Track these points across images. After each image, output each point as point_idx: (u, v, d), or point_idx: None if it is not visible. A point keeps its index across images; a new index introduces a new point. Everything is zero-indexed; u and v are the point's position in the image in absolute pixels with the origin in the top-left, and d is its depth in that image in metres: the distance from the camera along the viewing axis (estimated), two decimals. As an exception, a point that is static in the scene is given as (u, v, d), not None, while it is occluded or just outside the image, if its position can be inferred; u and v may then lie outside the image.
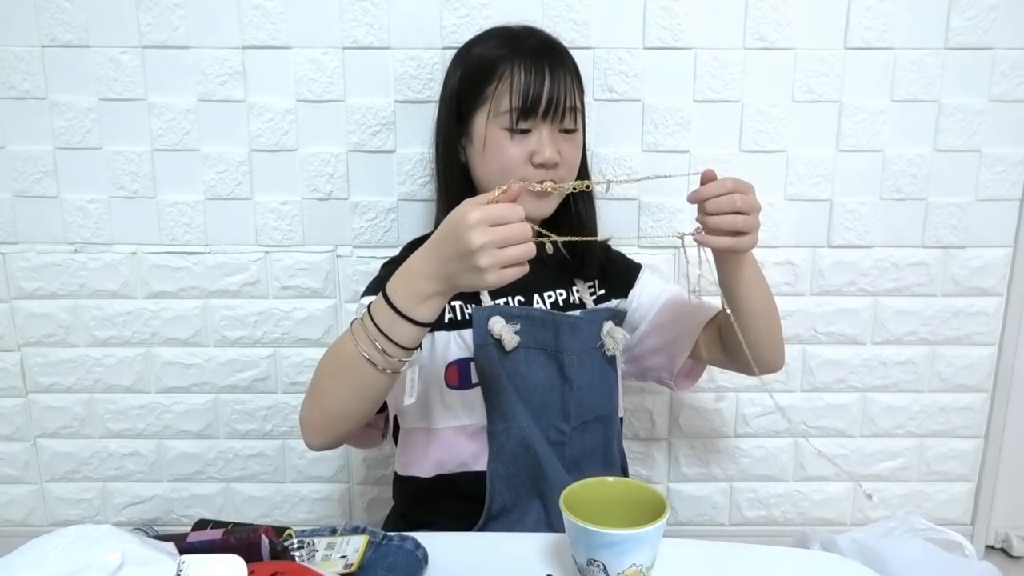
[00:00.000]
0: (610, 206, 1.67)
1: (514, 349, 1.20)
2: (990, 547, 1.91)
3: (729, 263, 1.11)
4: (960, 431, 1.83)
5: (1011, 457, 1.84)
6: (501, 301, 1.26)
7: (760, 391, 1.79)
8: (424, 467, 1.26)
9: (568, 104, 1.20)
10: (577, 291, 1.34)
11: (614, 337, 1.28)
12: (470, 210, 0.86)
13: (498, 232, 0.86)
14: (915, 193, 1.69)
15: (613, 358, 1.31)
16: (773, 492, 1.87)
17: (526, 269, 0.89)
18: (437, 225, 0.95)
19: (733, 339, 1.15)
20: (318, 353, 1.75)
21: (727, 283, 1.13)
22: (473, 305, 1.23)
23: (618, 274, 1.40)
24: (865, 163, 1.67)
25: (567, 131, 1.22)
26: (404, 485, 1.31)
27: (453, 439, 1.23)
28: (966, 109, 1.65)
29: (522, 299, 1.28)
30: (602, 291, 1.37)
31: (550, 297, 1.30)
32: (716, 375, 1.78)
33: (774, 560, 0.94)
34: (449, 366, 1.23)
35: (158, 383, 1.77)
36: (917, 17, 1.60)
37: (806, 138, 1.66)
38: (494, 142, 1.20)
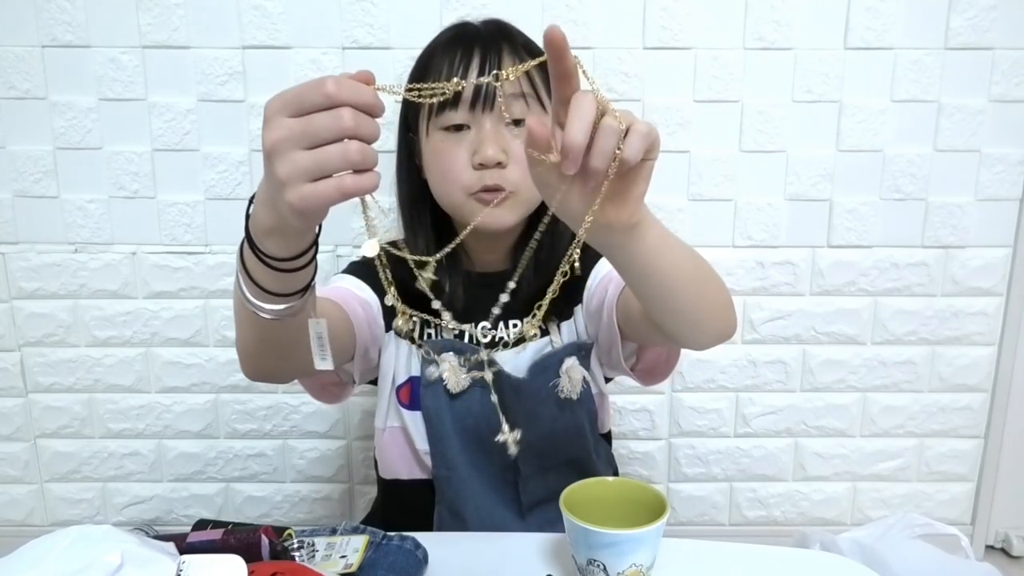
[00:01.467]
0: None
1: (462, 391, 1.08)
2: (990, 547, 1.91)
3: (621, 243, 0.75)
4: (960, 431, 1.83)
5: (1011, 457, 1.84)
6: (466, 327, 1.12)
7: (760, 391, 1.80)
8: (381, 466, 1.21)
9: (510, 90, 1.00)
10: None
11: (571, 378, 1.10)
12: (272, 99, 0.62)
13: (297, 126, 0.60)
14: (915, 193, 1.69)
15: (587, 391, 1.14)
16: (773, 492, 1.87)
17: (364, 187, 0.63)
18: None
19: (660, 321, 0.87)
20: (318, 353, 1.75)
21: (626, 266, 0.80)
22: (431, 329, 1.12)
23: (581, 279, 1.15)
24: (865, 163, 1.67)
25: (517, 123, 1.02)
26: (387, 488, 1.23)
27: (402, 447, 1.15)
28: (966, 109, 1.65)
29: (487, 325, 1.12)
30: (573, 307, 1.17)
31: (515, 326, 1.14)
32: (716, 375, 1.78)
33: (774, 560, 0.94)
34: (404, 383, 1.13)
35: (158, 383, 1.77)
36: (917, 17, 1.60)
37: (806, 138, 1.66)
38: (433, 146, 1.04)
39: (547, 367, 1.10)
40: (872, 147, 1.66)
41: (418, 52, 1.59)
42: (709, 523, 1.89)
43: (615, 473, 1.27)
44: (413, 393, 1.12)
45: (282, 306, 0.74)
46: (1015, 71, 1.63)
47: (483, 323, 1.12)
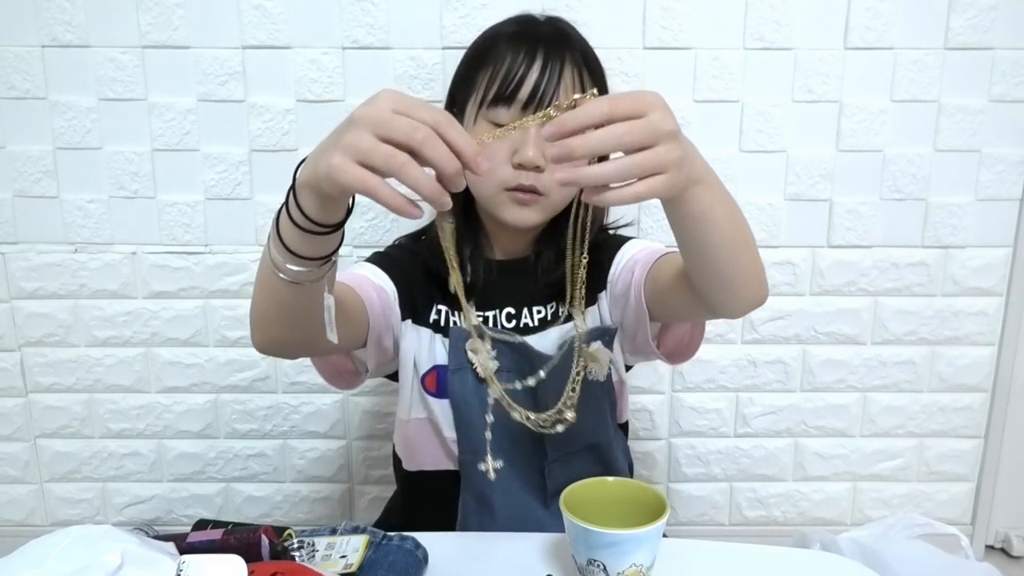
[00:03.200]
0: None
1: (491, 375, 1.09)
2: (990, 547, 1.91)
3: (668, 204, 0.81)
4: (960, 431, 1.83)
5: (1011, 457, 1.84)
6: (490, 314, 1.15)
7: (760, 391, 1.80)
8: (405, 459, 1.21)
9: (564, 100, 0.93)
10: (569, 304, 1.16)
11: (597, 359, 1.11)
12: (393, 91, 0.67)
13: (385, 116, 0.65)
14: (915, 193, 1.69)
15: (608, 378, 1.16)
16: (773, 492, 1.87)
17: (390, 201, 0.66)
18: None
19: (699, 282, 0.90)
20: (318, 353, 1.76)
21: (673, 225, 0.84)
22: (457, 313, 1.13)
23: (604, 266, 1.17)
24: (865, 163, 1.67)
25: None
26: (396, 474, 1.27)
27: (428, 436, 1.16)
28: (966, 109, 1.65)
29: (512, 311, 1.15)
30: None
31: (539, 312, 1.16)
32: (715, 375, 1.78)
33: (774, 560, 0.94)
34: (429, 371, 1.13)
35: (158, 383, 1.77)
36: (917, 17, 1.60)
37: (806, 138, 1.66)
38: (478, 134, 0.97)
39: (574, 349, 1.10)
40: (872, 147, 1.66)
41: (418, 52, 1.60)
42: (709, 523, 1.89)
43: (630, 465, 1.28)
44: (440, 381, 1.13)
45: (303, 268, 0.78)
46: (1015, 71, 1.63)
47: (508, 308, 1.15)
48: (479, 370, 1.08)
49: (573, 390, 1.07)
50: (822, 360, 1.78)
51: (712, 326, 1.69)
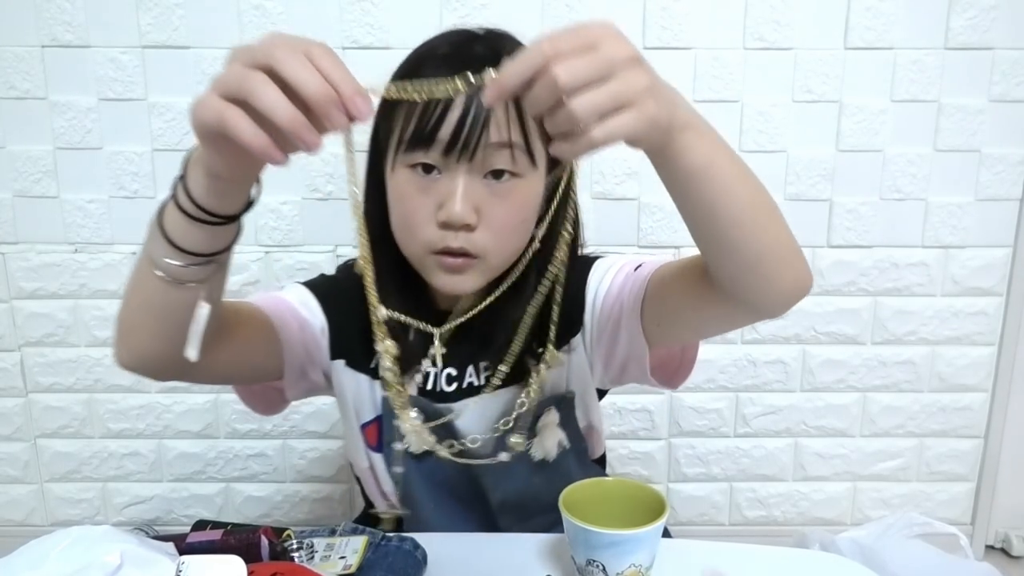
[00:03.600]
0: (609, 206, 1.67)
1: (425, 453, 0.97)
2: (990, 547, 1.91)
3: (658, 160, 0.67)
4: (960, 431, 1.83)
5: (1011, 457, 1.84)
6: (431, 371, 0.98)
7: (760, 391, 1.80)
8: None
9: (496, 138, 0.81)
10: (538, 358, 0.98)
11: (544, 441, 0.98)
12: (282, 35, 0.59)
13: (260, 46, 0.58)
14: (915, 193, 1.69)
15: (563, 450, 1.00)
16: (773, 492, 1.87)
17: (249, 139, 0.57)
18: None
19: (722, 272, 0.75)
20: (318, 353, 1.75)
21: (675, 195, 0.71)
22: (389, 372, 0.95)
23: (576, 301, 0.97)
24: (865, 163, 1.67)
25: (497, 175, 0.83)
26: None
27: (372, 485, 1.06)
28: (966, 109, 1.65)
29: (453, 373, 0.99)
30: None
31: (487, 371, 0.98)
32: (715, 375, 1.78)
33: (774, 560, 0.94)
34: (370, 423, 1.01)
35: (158, 383, 1.77)
36: (917, 17, 1.60)
37: (806, 138, 1.66)
38: (397, 186, 0.87)
39: (519, 429, 0.95)
40: (872, 147, 1.66)
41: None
42: (709, 523, 1.89)
43: None
44: (381, 434, 1.00)
45: (185, 265, 0.68)
46: (1015, 71, 1.63)
47: (448, 369, 0.99)
48: (412, 449, 0.97)
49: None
50: (822, 360, 1.78)
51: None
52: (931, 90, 1.64)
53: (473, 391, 0.98)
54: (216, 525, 0.82)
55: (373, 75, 0.67)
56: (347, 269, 1.03)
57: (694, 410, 1.81)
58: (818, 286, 1.73)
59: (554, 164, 0.89)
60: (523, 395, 0.95)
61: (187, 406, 1.79)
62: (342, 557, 0.83)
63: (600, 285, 0.96)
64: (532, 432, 0.97)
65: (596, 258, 1.00)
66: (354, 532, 0.89)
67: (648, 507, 0.84)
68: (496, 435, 0.96)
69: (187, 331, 0.69)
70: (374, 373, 0.98)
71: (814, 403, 1.81)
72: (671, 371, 0.98)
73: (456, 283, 0.87)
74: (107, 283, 1.71)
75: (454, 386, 0.99)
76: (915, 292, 1.74)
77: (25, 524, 1.87)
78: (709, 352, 1.77)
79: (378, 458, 1.01)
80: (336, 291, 1.01)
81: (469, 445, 0.97)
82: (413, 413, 0.94)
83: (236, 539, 0.76)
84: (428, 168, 0.83)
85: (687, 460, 1.85)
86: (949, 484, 1.87)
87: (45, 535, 0.63)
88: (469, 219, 0.82)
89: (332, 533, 0.89)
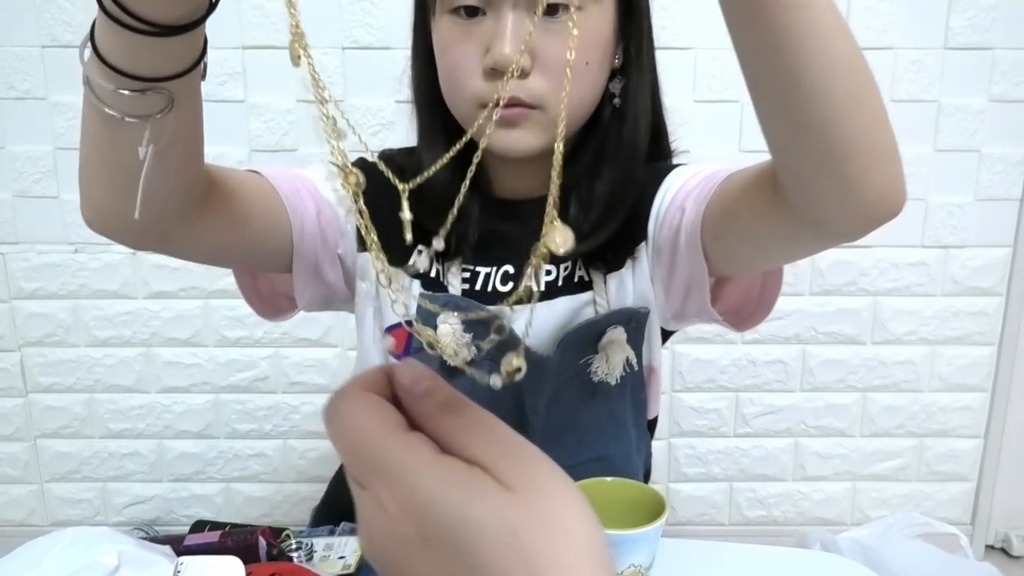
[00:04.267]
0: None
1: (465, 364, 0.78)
2: (990, 547, 1.91)
3: None
4: (960, 431, 1.83)
5: (1011, 457, 1.84)
6: (483, 271, 0.85)
7: (760, 391, 1.79)
8: None
9: None
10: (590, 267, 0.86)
11: (609, 357, 0.83)
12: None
13: None
14: (915, 193, 1.69)
15: (625, 377, 0.86)
16: (773, 492, 1.87)
17: None
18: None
19: (802, 167, 0.59)
20: (319, 353, 1.75)
21: (751, 49, 0.58)
22: (440, 263, 0.85)
23: (644, 206, 0.84)
24: (865, 163, 1.67)
25: (552, 10, 0.72)
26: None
27: None
28: (966, 109, 1.65)
29: (511, 270, 0.85)
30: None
31: (549, 274, 0.85)
32: (715, 375, 1.78)
33: (774, 560, 0.93)
34: (392, 329, 0.87)
35: (158, 383, 1.77)
36: (917, 17, 1.60)
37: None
38: (440, 34, 0.77)
39: (582, 340, 0.83)
40: (872, 147, 1.66)
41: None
42: (709, 523, 1.88)
43: (647, 472, 1.02)
44: (410, 341, 0.86)
45: (115, 87, 0.54)
46: (1015, 71, 1.63)
47: (506, 267, 0.85)
48: (447, 358, 0.80)
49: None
50: (822, 360, 1.78)
51: (711, 325, 1.68)
52: (931, 90, 1.64)
53: (529, 298, 0.84)
54: (214, 526, 0.82)
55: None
56: (389, 153, 0.90)
57: (694, 410, 1.81)
58: (818, 286, 1.73)
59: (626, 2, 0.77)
60: (592, 303, 0.83)
61: (187, 406, 1.79)
62: (341, 557, 0.83)
63: (670, 188, 0.81)
64: (594, 349, 0.83)
65: (681, 164, 0.87)
66: (352, 532, 0.89)
67: (648, 507, 0.84)
68: (557, 348, 0.82)
69: (153, 179, 0.59)
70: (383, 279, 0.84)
71: (814, 403, 1.80)
72: (747, 314, 0.86)
73: (513, 140, 0.75)
74: (107, 283, 1.71)
75: (509, 286, 0.85)
76: (915, 292, 1.74)
77: (25, 524, 1.87)
78: (709, 352, 1.76)
79: None
80: (372, 171, 0.76)
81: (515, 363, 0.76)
82: (451, 315, 0.78)
83: (234, 540, 0.76)
84: (472, 12, 0.72)
85: (687, 460, 1.85)
86: (949, 484, 1.87)
87: (42, 536, 0.63)
88: (521, 61, 0.70)
89: (331, 533, 0.89)
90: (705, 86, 1.63)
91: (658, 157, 0.86)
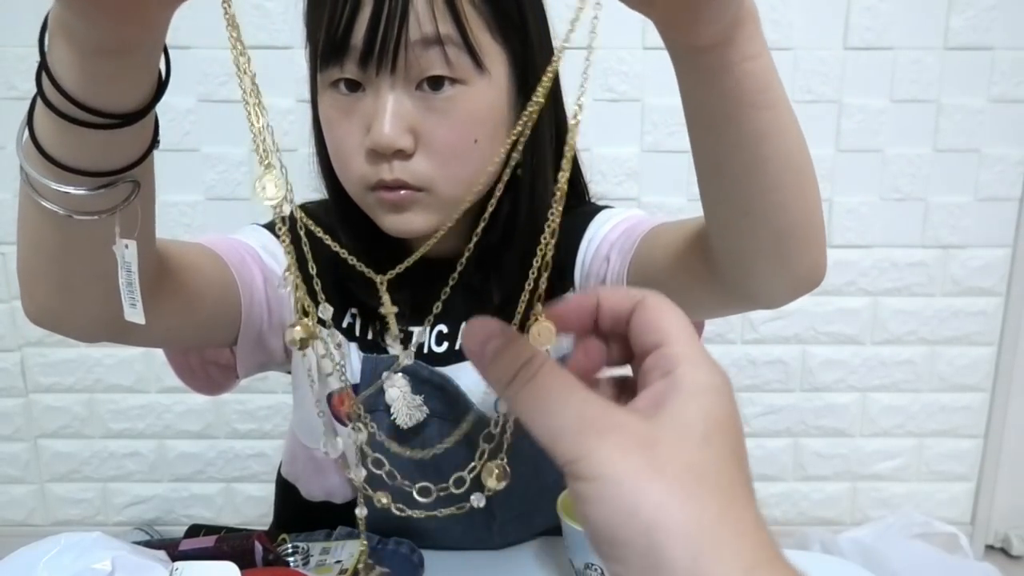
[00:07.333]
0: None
1: (417, 424, 0.78)
2: (990, 547, 1.91)
3: (690, 58, 0.50)
4: (960, 431, 1.83)
5: (1011, 457, 1.84)
6: (416, 330, 0.80)
7: (760, 391, 1.79)
8: (311, 488, 0.96)
9: (418, 35, 0.64)
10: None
11: None
12: None
13: None
14: (915, 193, 1.69)
15: None
16: (773, 492, 1.86)
17: None
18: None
19: (737, 241, 0.59)
20: (317, 353, 1.76)
21: (701, 119, 0.55)
22: (374, 325, 0.81)
23: (570, 252, 0.81)
24: (865, 163, 1.67)
25: (435, 85, 0.66)
26: (287, 492, 1.02)
27: (339, 474, 0.90)
28: (966, 109, 1.64)
29: (444, 330, 0.82)
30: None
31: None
32: (715, 375, 1.78)
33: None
34: (334, 394, 0.80)
35: (158, 383, 1.77)
36: (917, 17, 1.60)
37: (806, 138, 1.65)
38: (325, 113, 0.72)
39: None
40: (872, 147, 1.66)
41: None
42: (709, 523, 1.88)
43: None
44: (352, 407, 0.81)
45: (75, 190, 0.47)
46: (1015, 71, 1.62)
47: (440, 326, 0.83)
48: (399, 421, 0.77)
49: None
50: (822, 360, 1.78)
51: (711, 325, 1.68)
52: (931, 90, 1.63)
53: (454, 357, 0.82)
54: (210, 531, 0.81)
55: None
56: (311, 208, 0.83)
57: (694, 410, 1.81)
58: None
59: (520, 66, 0.72)
60: None
61: (187, 406, 1.79)
62: (337, 561, 0.83)
63: (595, 235, 0.79)
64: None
65: (603, 208, 0.84)
66: (349, 536, 0.89)
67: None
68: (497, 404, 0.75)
69: (99, 280, 0.53)
70: (347, 332, 0.82)
71: (814, 403, 1.80)
72: None
73: (404, 222, 0.70)
74: (106, 283, 1.71)
75: (444, 346, 0.82)
76: (915, 292, 1.74)
77: (25, 524, 1.87)
78: (709, 352, 1.76)
79: (347, 432, 0.71)
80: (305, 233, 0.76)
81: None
82: (400, 377, 0.76)
83: (230, 545, 0.75)
84: (353, 86, 0.67)
85: (687, 460, 1.84)
86: (949, 484, 1.87)
87: (35, 542, 0.63)
88: (400, 143, 0.66)
89: (328, 537, 0.89)
90: (652, 137, 1.63)
91: (577, 202, 0.84)
